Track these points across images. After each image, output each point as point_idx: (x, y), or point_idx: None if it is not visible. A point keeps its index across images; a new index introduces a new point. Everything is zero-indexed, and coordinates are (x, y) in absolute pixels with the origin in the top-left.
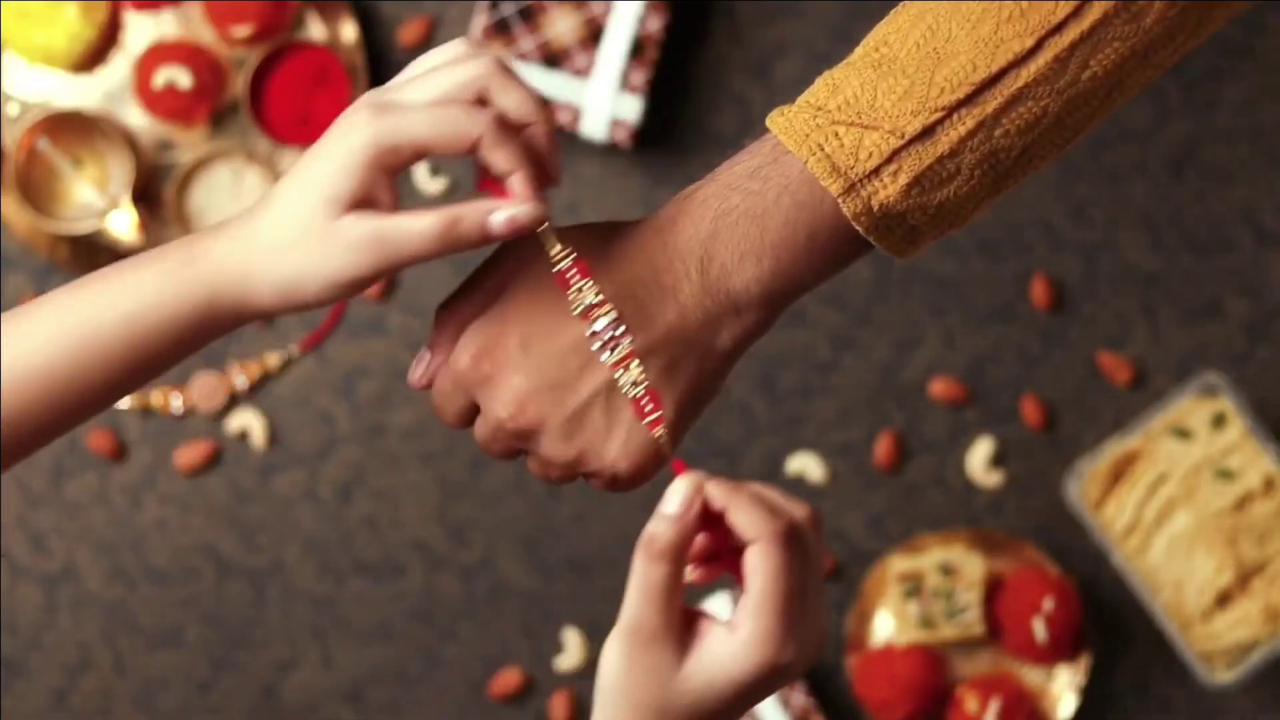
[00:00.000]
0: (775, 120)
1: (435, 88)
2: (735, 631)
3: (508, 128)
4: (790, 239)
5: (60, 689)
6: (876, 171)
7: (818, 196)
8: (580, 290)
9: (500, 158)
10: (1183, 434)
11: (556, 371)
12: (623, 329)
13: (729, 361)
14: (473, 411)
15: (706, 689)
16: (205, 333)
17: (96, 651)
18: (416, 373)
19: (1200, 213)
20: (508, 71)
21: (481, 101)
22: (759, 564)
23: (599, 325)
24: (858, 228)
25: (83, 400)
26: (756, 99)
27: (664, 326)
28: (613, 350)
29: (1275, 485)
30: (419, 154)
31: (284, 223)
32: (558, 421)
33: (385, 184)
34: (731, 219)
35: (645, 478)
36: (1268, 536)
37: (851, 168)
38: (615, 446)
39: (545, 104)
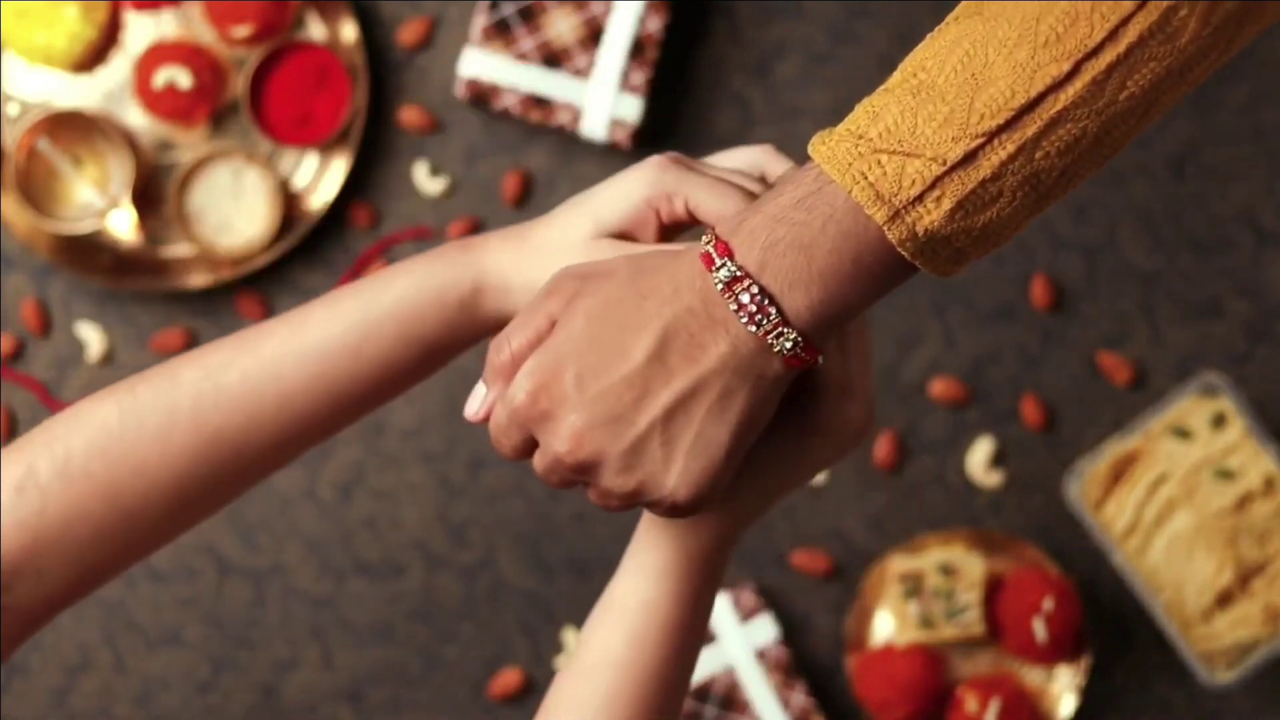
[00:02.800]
0: (818, 149)
1: (729, 159)
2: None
3: None
4: (837, 267)
5: (60, 689)
6: (920, 198)
7: (863, 224)
8: (723, 267)
9: None
10: (1183, 434)
11: (612, 406)
12: (767, 301)
13: (780, 387)
14: (530, 446)
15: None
16: (469, 322)
17: (96, 651)
18: (472, 407)
19: (1200, 213)
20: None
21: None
22: None
23: (744, 299)
24: (903, 253)
25: (358, 381)
26: (756, 99)
27: (717, 357)
28: (759, 324)
29: (1275, 485)
30: (689, 209)
31: (554, 232)
32: (616, 455)
33: (653, 226)
34: (779, 250)
35: (704, 503)
36: (1268, 536)
37: (895, 195)
38: (674, 476)
39: None
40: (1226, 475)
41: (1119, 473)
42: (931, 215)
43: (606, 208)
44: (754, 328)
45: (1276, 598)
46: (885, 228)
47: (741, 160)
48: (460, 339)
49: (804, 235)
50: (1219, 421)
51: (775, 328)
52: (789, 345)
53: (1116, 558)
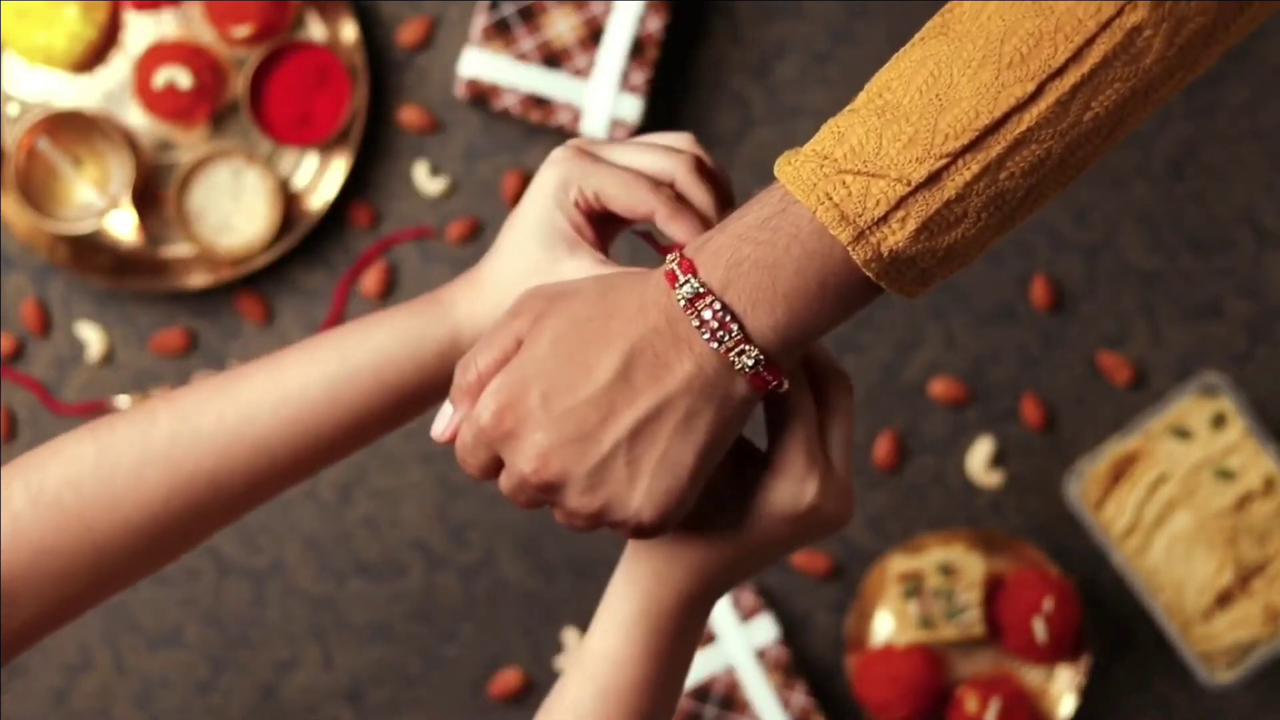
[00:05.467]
0: (783, 169)
1: (635, 155)
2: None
3: (682, 204)
4: (802, 287)
5: (60, 689)
6: (884, 219)
7: (827, 245)
8: (686, 284)
9: (675, 230)
10: (1183, 434)
11: (578, 426)
12: (729, 317)
13: (747, 406)
14: (497, 465)
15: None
16: (448, 372)
17: (96, 651)
18: (439, 427)
19: (1200, 213)
20: (703, 171)
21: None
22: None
23: (706, 315)
24: (868, 274)
25: (335, 428)
26: (756, 99)
27: (683, 377)
28: (721, 341)
29: (1275, 485)
30: (602, 204)
31: (503, 263)
32: (581, 475)
33: (583, 221)
34: (744, 269)
35: (669, 524)
36: (1268, 536)
37: (859, 216)
38: (638, 496)
39: (729, 197)
40: (1226, 475)
41: (1119, 473)
42: (896, 236)
43: (534, 215)
44: (716, 344)
45: (1276, 598)
46: (850, 248)
47: (651, 158)
48: (438, 388)
49: (769, 255)
50: (1219, 421)
51: (737, 344)
52: (750, 363)
53: (1116, 558)
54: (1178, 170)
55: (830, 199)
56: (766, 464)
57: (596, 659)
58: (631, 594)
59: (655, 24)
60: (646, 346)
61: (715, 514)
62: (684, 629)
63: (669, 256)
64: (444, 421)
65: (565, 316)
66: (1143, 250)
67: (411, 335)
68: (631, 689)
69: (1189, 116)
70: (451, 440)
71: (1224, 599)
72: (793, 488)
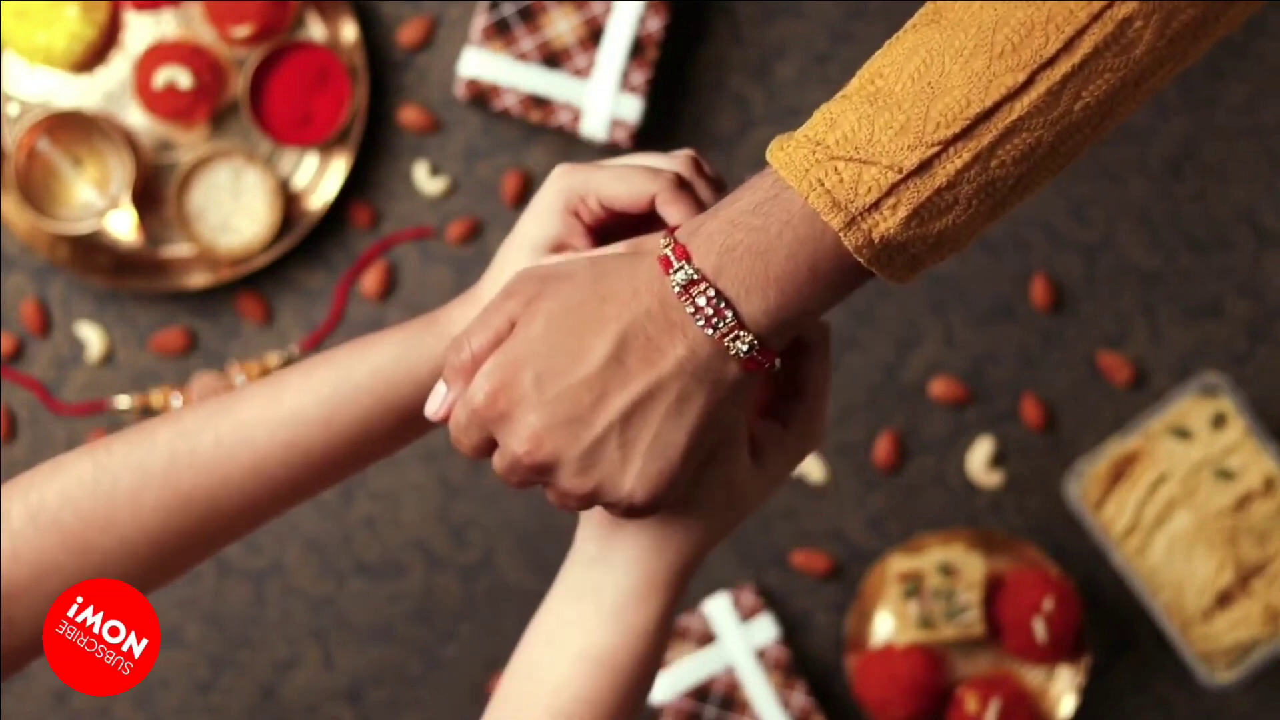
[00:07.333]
0: (775, 155)
1: (636, 159)
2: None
3: (682, 186)
4: (794, 272)
5: (60, 689)
6: (876, 205)
7: (819, 230)
8: (680, 270)
9: (672, 213)
10: (1183, 434)
11: (571, 407)
12: (723, 303)
13: (739, 390)
14: (490, 445)
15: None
16: None
17: None
18: (432, 406)
19: (1200, 212)
20: (701, 171)
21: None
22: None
23: (700, 302)
24: (859, 259)
25: (331, 450)
26: (756, 99)
27: (675, 360)
28: (715, 327)
29: (1275, 485)
30: (604, 204)
31: (501, 277)
32: (574, 456)
33: (580, 231)
34: (736, 254)
35: (662, 505)
36: (1268, 536)
37: (851, 202)
38: (631, 477)
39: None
40: (1226, 475)
41: (1119, 473)
42: (887, 222)
43: (535, 232)
44: (710, 330)
45: (1276, 598)
46: (841, 234)
47: (642, 160)
48: None
49: (761, 240)
50: (1219, 421)
51: (731, 330)
52: (744, 348)
53: (1116, 558)
54: (1177, 169)
55: (822, 185)
56: (780, 421)
57: (619, 656)
58: (642, 560)
59: (655, 24)
60: (639, 330)
61: (709, 493)
62: (683, 594)
63: (662, 241)
64: (438, 400)
65: (558, 299)
66: (1142, 250)
67: (410, 355)
68: (650, 676)
69: (1188, 114)
70: (445, 419)
71: (1224, 599)
72: (804, 442)
